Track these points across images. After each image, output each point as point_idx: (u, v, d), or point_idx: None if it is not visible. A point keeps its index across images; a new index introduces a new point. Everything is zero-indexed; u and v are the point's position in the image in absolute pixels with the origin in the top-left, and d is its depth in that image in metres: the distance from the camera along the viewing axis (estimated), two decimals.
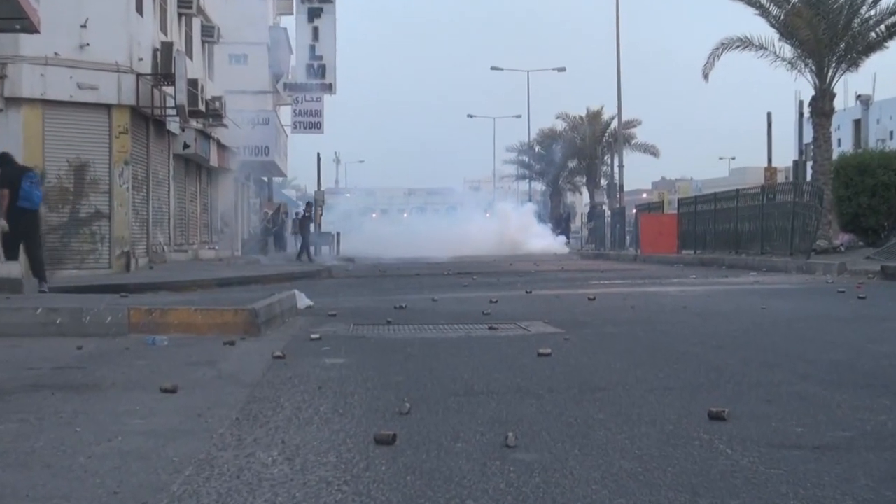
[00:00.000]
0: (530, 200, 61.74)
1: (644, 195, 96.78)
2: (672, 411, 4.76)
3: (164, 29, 24.32)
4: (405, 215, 68.73)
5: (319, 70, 42.84)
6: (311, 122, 45.23)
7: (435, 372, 6.22)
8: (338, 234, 39.59)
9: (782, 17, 27.05)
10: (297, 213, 29.83)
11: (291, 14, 44.72)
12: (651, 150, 56.38)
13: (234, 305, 9.07)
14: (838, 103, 30.31)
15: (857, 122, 66.66)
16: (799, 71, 27.23)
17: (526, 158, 64.27)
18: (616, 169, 45.47)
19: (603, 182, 56.26)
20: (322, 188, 43.48)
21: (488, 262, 29.01)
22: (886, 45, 26.55)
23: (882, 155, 22.48)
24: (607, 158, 56.39)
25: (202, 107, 23.28)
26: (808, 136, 28.91)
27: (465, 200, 62.38)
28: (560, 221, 54.35)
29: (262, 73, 40.90)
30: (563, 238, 46.79)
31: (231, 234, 35.78)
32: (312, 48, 42.96)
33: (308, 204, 30.25)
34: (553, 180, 62.26)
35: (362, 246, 39.34)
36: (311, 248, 29.35)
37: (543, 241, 43.56)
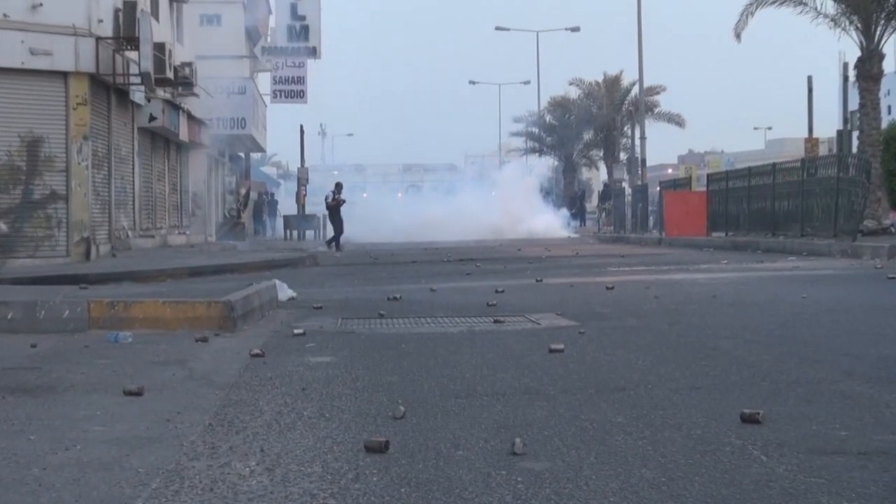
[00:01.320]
0: (541, 156, 61.43)
1: (669, 170, 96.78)
2: (700, 414, 4.76)
3: None
4: (400, 195, 68.72)
5: (302, 32, 42.72)
6: (292, 91, 45.12)
7: (433, 371, 6.23)
8: (324, 216, 39.61)
9: None
10: (328, 197, 29.28)
11: None
12: (676, 120, 56.34)
13: (207, 297, 9.07)
14: (888, 65, 30.23)
15: None
16: (843, 29, 27.16)
17: (535, 130, 64.15)
18: (637, 141, 45.44)
19: (622, 156, 56.23)
20: (306, 165, 43.48)
21: (493, 247, 29.03)
22: None
23: None
24: (627, 130, 56.34)
25: (170, 74, 23.22)
26: (854, 103, 28.85)
27: (465, 177, 62.41)
28: (574, 200, 54.35)
29: (238, 35, 40.81)
30: (563, 212, 46.77)
31: (203, 218, 35.77)
32: (294, 7, 42.82)
33: (337, 184, 29.82)
34: (566, 154, 62.19)
35: (352, 229, 39.37)
36: (334, 237, 29.02)
37: (546, 217, 43.75)
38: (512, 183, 47.30)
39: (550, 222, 43.35)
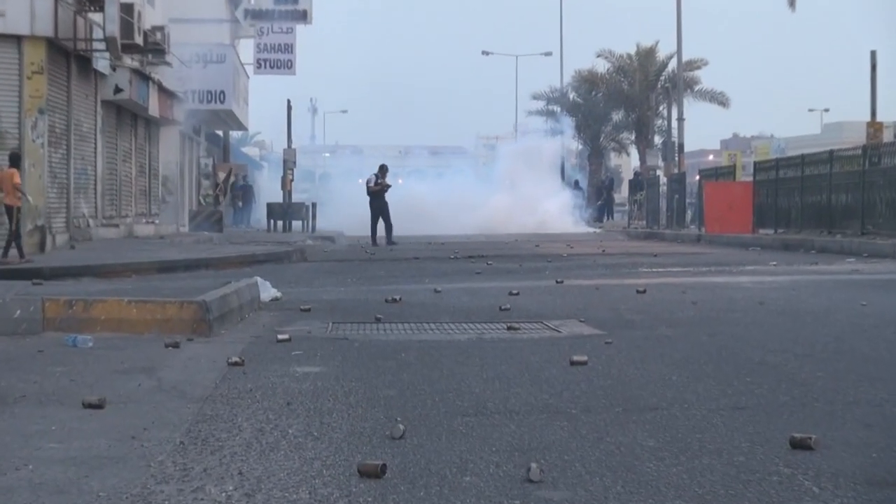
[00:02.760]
0: (567, 114, 60.63)
1: (710, 157, 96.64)
2: (743, 438, 4.76)
3: None
4: (400, 181, 68.85)
5: None
6: (279, 61, 45.08)
7: (437, 384, 6.23)
8: (313, 205, 39.61)
9: None
10: (370, 180, 28.79)
11: None
12: (720, 100, 56.24)
13: (179, 296, 9.08)
14: None
15: None
16: None
17: (557, 109, 64.04)
18: (674, 123, 45.34)
19: (657, 140, 56.13)
20: (293, 145, 43.46)
21: (507, 243, 29.03)
22: None
23: None
24: (663, 110, 56.23)
25: (139, 39, 23.22)
26: None
27: (476, 161, 62.14)
28: (600, 190, 54.29)
29: None
30: (576, 195, 46.53)
31: (175, 205, 35.79)
32: None
33: (382, 167, 29.34)
34: (592, 137, 62.09)
35: (344, 220, 39.36)
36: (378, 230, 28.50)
37: (560, 199, 43.71)
38: (519, 161, 47.01)
39: (564, 203, 43.24)
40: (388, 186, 28.78)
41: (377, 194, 28.49)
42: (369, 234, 28.63)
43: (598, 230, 41.31)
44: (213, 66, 36.59)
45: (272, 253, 21.98)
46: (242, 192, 47.59)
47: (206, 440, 4.80)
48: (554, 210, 42.18)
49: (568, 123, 56.16)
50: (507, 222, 39.23)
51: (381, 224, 28.41)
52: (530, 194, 42.65)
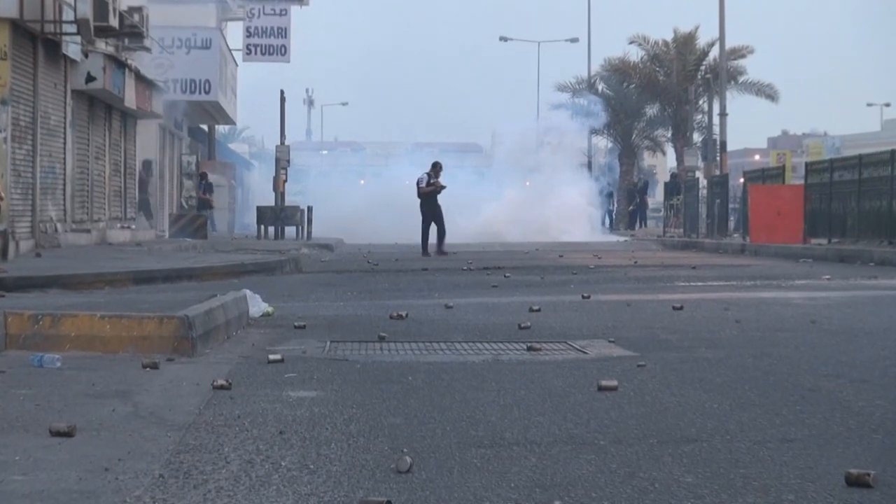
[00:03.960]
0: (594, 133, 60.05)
1: (756, 157, 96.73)
2: (793, 474, 4.75)
3: None
4: (407, 183, 68.99)
5: None
6: (272, 46, 45.24)
7: (448, 412, 6.24)
8: (308, 208, 39.70)
9: None
10: (422, 180, 27.85)
11: None
12: (767, 92, 56.24)
13: (159, 311, 9.08)
14: None
15: None
16: None
17: (584, 102, 64.02)
18: (715, 119, 45.37)
19: (696, 138, 56.09)
20: (286, 142, 43.55)
21: (527, 252, 29.06)
22: None
23: None
24: (703, 103, 56.22)
25: (114, 21, 23.28)
26: None
27: (492, 160, 62.20)
28: (632, 194, 54.29)
29: None
30: (584, 187, 46.40)
31: (155, 208, 35.86)
32: None
33: (435, 164, 28.50)
34: (623, 134, 62.07)
35: (344, 225, 39.47)
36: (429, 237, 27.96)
37: (574, 189, 43.68)
38: (530, 144, 47.01)
39: (585, 195, 43.33)
40: (443, 187, 28.15)
41: (429, 196, 27.93)
42: (420, 242, 28.01)
43: (628, 238, 41.33)
44: (198, 52, 36.69)
45: (263, 262, 21.99)
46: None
47: (188, 473, 4.80)
48: (571, 206, 42.14)
49: (596, 103, 55.92)
50: (516, 223, 39.27)
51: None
52: (545, 185, 42.61)
